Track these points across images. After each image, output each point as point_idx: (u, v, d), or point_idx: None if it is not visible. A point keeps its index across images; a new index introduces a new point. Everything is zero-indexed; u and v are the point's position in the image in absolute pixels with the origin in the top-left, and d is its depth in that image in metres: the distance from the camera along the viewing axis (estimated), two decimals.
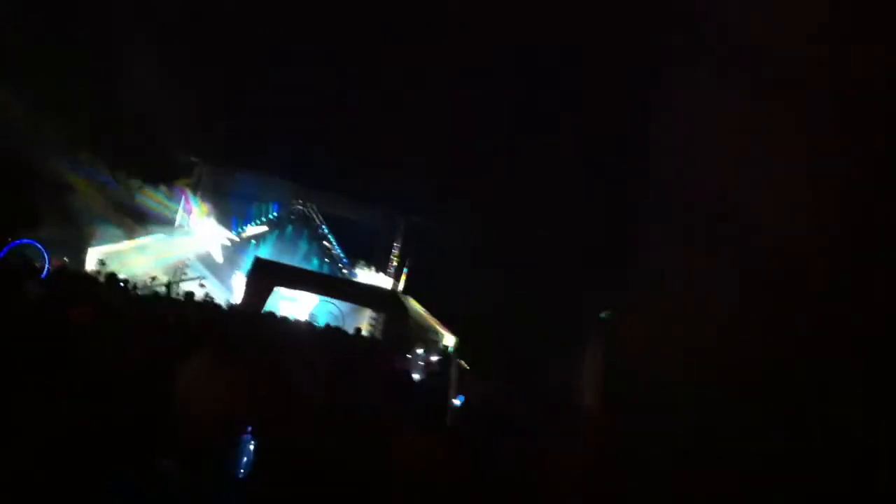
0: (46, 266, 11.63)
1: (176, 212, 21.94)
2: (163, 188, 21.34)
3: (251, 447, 4.68)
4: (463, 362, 10.18)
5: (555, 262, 16.42)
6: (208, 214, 22.11)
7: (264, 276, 17.48)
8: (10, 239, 12.57)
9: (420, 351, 14.59)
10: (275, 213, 24.06)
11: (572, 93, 17.21)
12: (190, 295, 14.25)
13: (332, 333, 13.88)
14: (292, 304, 19.98)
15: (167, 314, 9.22)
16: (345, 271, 23.80)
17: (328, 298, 19.60)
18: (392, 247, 24.29)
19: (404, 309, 18.75)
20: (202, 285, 19.06)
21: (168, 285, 16.16)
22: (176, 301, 13.52)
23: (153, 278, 17.45)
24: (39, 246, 13.16)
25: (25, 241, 13.05)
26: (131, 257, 19.17)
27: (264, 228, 23.80)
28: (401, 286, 23.18)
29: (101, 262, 17.43)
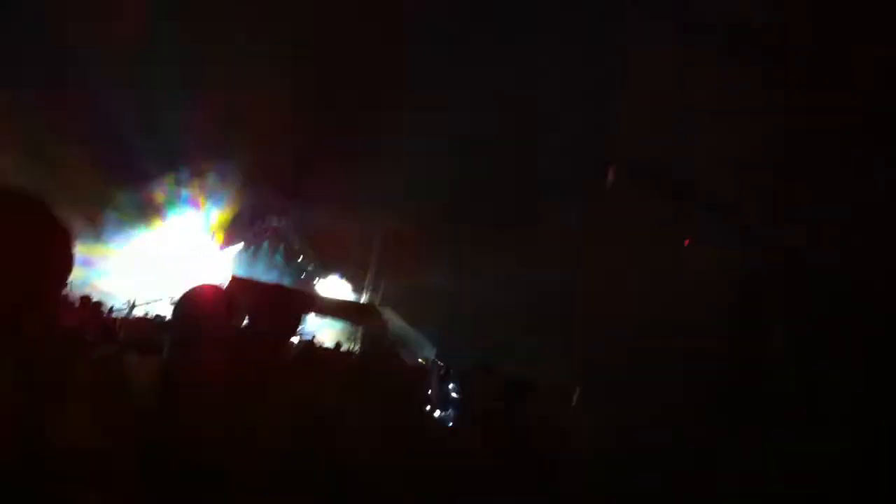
0: None
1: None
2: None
3: None
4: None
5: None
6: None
7: (239, 293, 17.22)
8: None
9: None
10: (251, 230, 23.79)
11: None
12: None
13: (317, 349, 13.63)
14: None
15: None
16: (320, 285, 23.56)
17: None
18: (368, 259, 24.12)
19: (384, 321, 18.60)
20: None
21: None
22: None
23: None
24: None
25: None
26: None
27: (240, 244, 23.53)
28: (378, 298, 23.00)
29: None
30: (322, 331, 19.37)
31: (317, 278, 23.77)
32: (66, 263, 1.62)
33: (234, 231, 23.58)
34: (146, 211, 21.03)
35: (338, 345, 16.51)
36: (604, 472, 6.08)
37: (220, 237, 22.97)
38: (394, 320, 19.80)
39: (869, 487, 6.19)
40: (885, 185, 7.13)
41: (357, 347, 18.13)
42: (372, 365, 9.76)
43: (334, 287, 23.55)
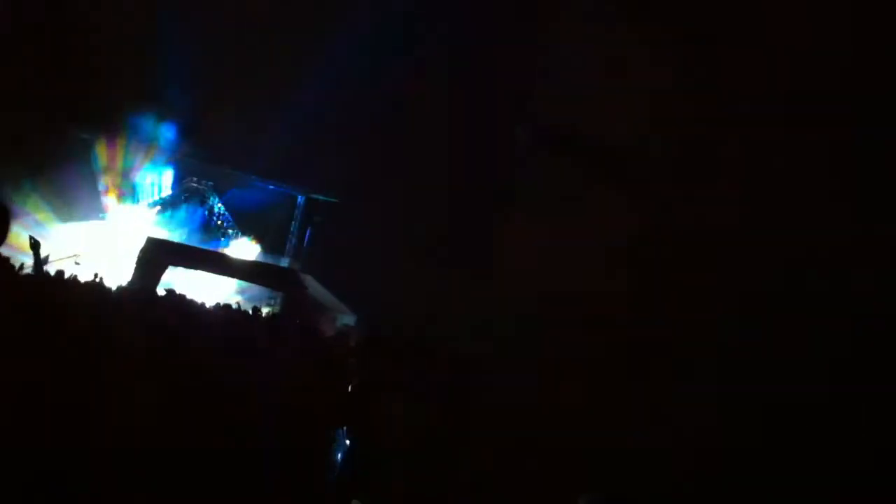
0: None
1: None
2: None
3: None
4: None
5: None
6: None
7: (157, 255, 16.96)
8: None
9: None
10: (169, 191, 23.26)
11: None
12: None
13: (233, 312, 13.58)
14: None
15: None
16: (240, 249, 23.29)
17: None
18: (290, 225, 23.97)
19: (304, 287, 18.60)
20: (77, 263, 18.07)
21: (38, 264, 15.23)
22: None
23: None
24: None
25: None
26: None
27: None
28: (299, 265, 22.94)
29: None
30: (239, 293, 19.26)
31: (235, 239, 23.47)
32: None
33: (151, 189, 23.08)
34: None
35: (255, 309, 16.46)
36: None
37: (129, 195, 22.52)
38: (314, 287, 19.84)
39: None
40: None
41: (275, 312, 18.14)
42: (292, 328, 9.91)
43: (251, 250, 23.30)
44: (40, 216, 19.18)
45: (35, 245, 5.97)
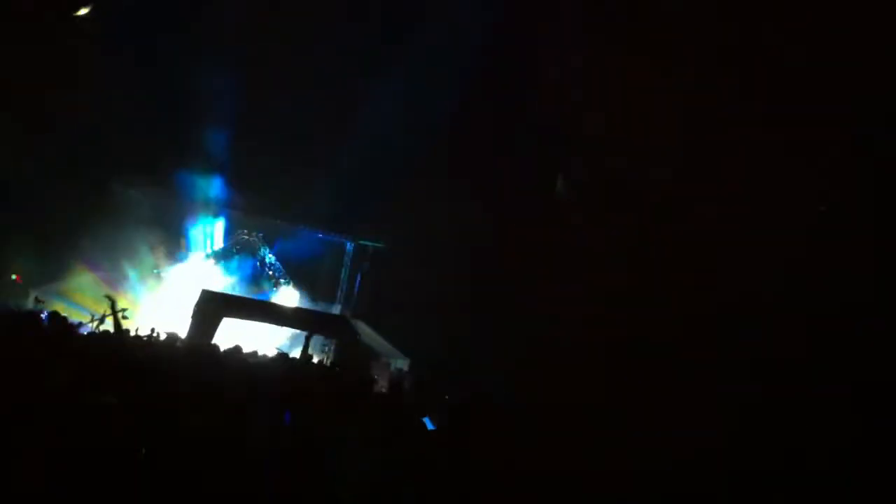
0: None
1: None
2: None
3: None
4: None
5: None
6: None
7: (212, 307, 17.20)
8: None
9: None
10: (220, 244, 23.77)
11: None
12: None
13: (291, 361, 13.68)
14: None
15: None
16: (291, 298, 23.57)
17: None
18: (340, 273, 24.23)
19: (356, 334, 18.67)
20: (125, 318, 18.34)
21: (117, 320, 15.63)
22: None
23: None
24: None
25: None
26: None
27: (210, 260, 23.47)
28: (350, 311, 23.09)
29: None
30: (291, 343, 19.39)
31: (286, 288, 23.77)
32: None
33: (203, 243, 23.58)
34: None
35: (309, 356, 16.56)
36: None
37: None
38: (366, 332, 19.91)
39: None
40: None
41: (329, 360, 18.21)
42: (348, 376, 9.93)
43: (302, 298, 23.56)
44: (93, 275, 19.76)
45: (112, 301, 6.16)
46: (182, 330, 15.94)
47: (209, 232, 23.46)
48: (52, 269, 19.45)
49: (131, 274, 20.95)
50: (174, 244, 22.74)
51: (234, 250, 23.66)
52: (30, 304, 17.09)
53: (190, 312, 16.98)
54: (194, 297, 17.74)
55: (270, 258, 23.76)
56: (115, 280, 19.98)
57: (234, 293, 21.44)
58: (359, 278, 23.64)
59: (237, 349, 10.61)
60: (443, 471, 4.83)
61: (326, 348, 20.24)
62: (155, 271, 21.89)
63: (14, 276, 18.75)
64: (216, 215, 23.27)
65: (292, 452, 5.23)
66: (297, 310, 20.93)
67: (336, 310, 22.96)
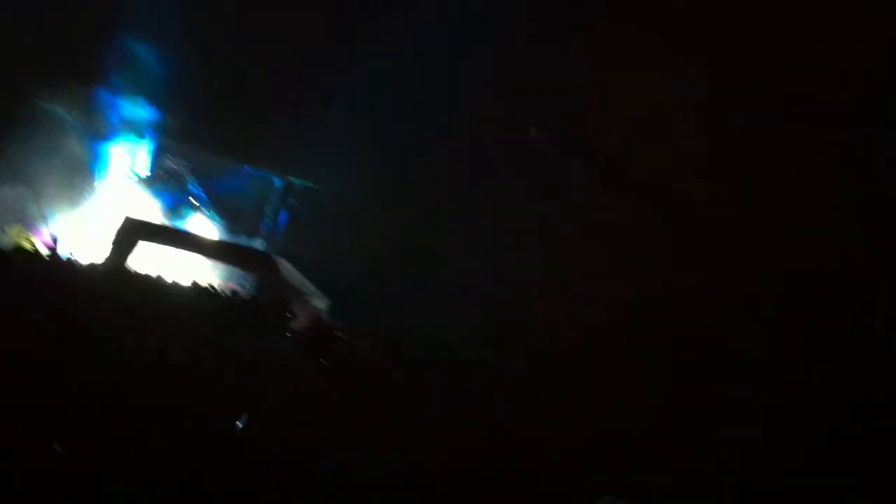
0: None
1: None
2: None
3: None
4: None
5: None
6: None
7: (129, 231, 16.91)
8: None
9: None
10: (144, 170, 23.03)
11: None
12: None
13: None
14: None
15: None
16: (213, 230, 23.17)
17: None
18: (264, 208, 23.92)
19: (276, 269, 18.65)
20: None
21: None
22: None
23: None
24: None
25: None
26: None
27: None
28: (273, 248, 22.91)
29: None
30: (207, 273, 19.22)
31: (209, 219, 23.37)
32: None
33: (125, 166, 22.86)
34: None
35: (235, 291, 16.56)
36: None
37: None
38: (287, 269, 19.88)
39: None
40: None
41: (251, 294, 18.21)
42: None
43: (225, 231, 23.20)
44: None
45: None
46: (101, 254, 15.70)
47: (133, 153, 22.70)
48: None
49: (46, 192, 20.18)
50: (94, 163, 21.96)
51: (158, 177, 23.02)
52: None
53: (110, 237, 16.71)
54: (114, 221, 17.39)
55: (195, 188, 23.23)
56: (26, 198, 19.23)
57: (154, 220, 21.00)
58: (285, 216, 23.43)
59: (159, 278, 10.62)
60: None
61: (245, 282, 20.14)
62: (72, 192, 21.13)
63: None
64: (142, 136, 22.50)
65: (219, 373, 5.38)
66: (218, 242, 20.69)
67: (259, 245, 22.74)
